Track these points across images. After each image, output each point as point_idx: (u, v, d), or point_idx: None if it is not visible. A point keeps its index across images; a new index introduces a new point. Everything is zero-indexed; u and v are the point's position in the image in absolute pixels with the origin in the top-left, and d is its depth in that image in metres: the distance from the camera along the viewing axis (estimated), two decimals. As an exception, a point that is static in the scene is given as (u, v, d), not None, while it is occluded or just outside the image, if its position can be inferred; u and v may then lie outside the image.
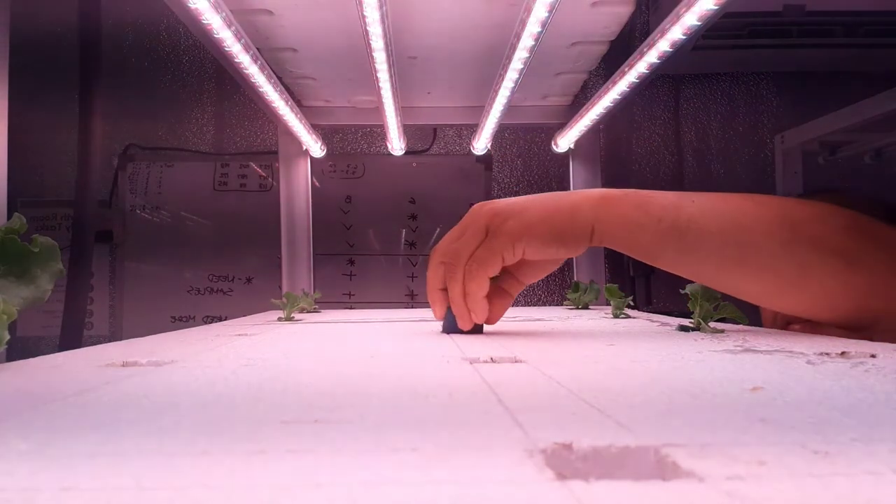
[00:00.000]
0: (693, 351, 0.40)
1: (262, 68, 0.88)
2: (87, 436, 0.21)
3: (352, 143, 1.89)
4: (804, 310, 0.53)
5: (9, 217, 0.41)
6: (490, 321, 0.56)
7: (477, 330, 0.55)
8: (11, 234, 0.38)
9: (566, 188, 1.32)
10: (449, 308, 0.55)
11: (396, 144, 1.30)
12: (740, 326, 0.58)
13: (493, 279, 0.54)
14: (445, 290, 0.54)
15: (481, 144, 1.32)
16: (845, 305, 0.50)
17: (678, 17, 0.73)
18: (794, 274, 0.50)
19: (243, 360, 0.39)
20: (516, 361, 0.37)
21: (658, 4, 1.18)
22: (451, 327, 0.55)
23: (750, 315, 0.56)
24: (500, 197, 1.88)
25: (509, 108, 1.08)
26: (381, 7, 0.72)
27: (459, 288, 0.53)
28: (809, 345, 0.42)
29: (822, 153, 1.69)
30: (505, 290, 0.57)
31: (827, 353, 0.37)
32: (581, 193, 0.55)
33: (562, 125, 1.26)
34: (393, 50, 0.85)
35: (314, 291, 1.20)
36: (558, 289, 1.81)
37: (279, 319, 0.82)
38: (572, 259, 1.28)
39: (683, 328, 0.56)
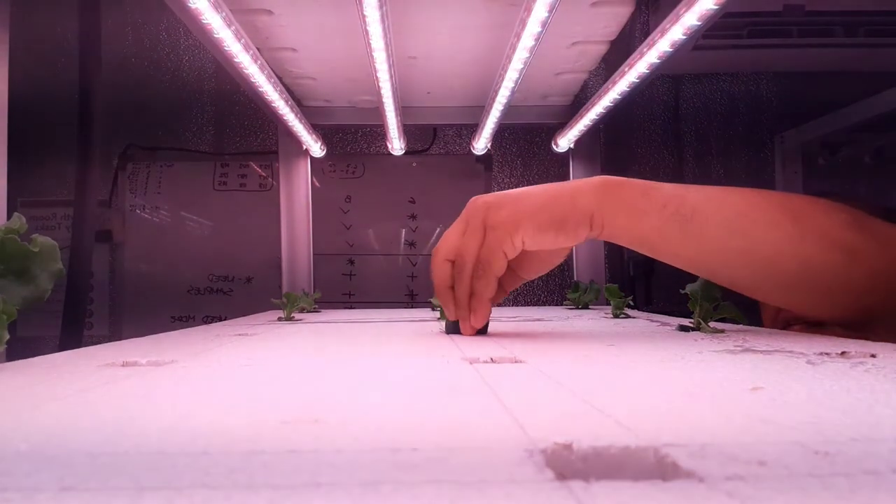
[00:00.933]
0: (693, 351, 0.40)
1: (261, 68, 0.88)
2: (87, 436, 0.21)
3: (352, 142, 1.89)
4: (805, 306, 0.53)
5: (8, 217, 0.41)
6: (475, 323, 0.54)
7: (481, 331, 0.55)
8: (11, 234, 0.38)
9: (566, 188, 1.32)
10: None
11: (396, 144, 1.30)
12: (740, 326, 0.58)
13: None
14: (453, 288, 0.53)
15: (481, 144, 1.32)
16: (846, 302, 0.50)
17: (678, 17, 0.73)
18: (797, 268, 0.49)
19: (243, 360, 0.39)
20: (516, 362, 0.37)
21: (658, 4, 1.18)
22: (454, 328, 0.55)
23: (749, 315, 0.56)
24: (500, 197, 1.89)
25: (509, 107, 1.07)
26: (381, 7, 0.71)
27: (466, 290, 0.52)
28: (809, 345, 0.42)
29: (822, 153, 1.69)
30: (499, 283, 0.56)
31: (827, 353, 0.37)
32: (581, 180, 0.53)
33: (562, 125, 1.26)
34: (393, 50, 0.85)
35: (314, 291, 1.20)
36: (558, 289, 1.81)
37: (279, 319, 0.82)
38: (572, 259, 1.27)
39: (683, 328, 0.56)
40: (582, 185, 0.52)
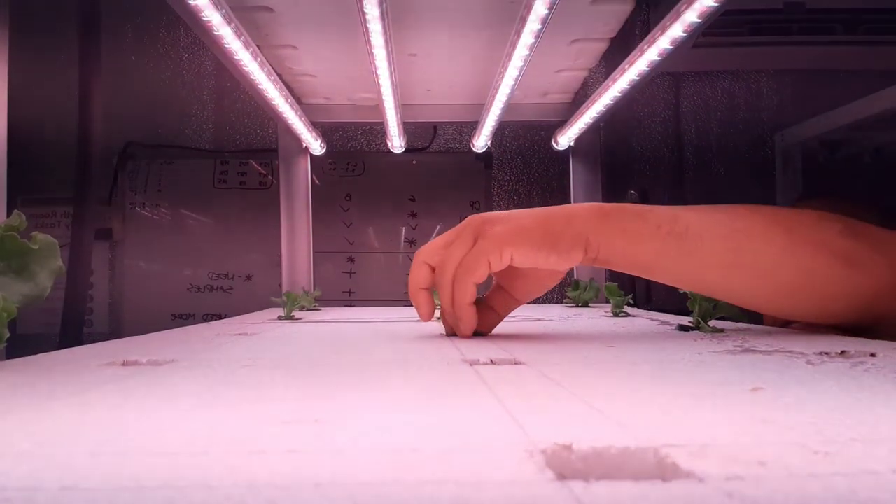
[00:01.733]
0: (693, 351, 0.40)
1: (261, 65, 0.88)
2: (87, 435, 0.21)
3: (352, 140, 1.89)
4: (809, 315, 0.53)
5: (8, 214, 0.41)
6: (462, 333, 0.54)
7: (480, 331, 0.55)
8: (11, 232, 0.38)
9: (566, 186, 1.32)
10: None
11: (396, 142, 1.30)
12: (740, 326, 0.58)
13: (484, 295, 0.53)
14: (428, 290, 0.54)
15: (481, 142, 1.31)
16: (848, 309, 0.50)
17: (678, 15, 0.73)
18: (797, 279, 0.49)
19: (243, 360, 0.39)
20: (516, 363, 0.37)
21: (658, 2, 1.18)
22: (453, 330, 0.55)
23: (749, 313, 0.56)
24: (499, 195, 1.89)
25: (509, 105, 1.07)
26: (380, 4, 0.71)
27: (448, 296, 0.51)
28: (809, 345, 0.42)
29: (822, 151, 1.69)
30: (491, 307, 0.56)
31: (827, 353, 0.37)
32: (576, 205, 0.54)
33: (562, 123, 1.26)
34: (393, 47, 0.85)
35: (314, 289, 1.20)
36: (559, 287, 1.80)
37: (279, 318, 0.82)
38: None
39: (683, 328, 0.56)
40: (577, 209, 0.53)
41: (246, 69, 0.87)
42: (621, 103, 1.03)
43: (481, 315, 0.54)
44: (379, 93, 1.02)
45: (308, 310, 1.02)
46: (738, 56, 1.71)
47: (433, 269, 0.54)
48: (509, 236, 0.50)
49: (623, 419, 0.21)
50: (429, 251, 0.54)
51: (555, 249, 0.50)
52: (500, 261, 0.50)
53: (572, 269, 1.29)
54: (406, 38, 0.95)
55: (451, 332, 0.55)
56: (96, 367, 0.36)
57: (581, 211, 0.52)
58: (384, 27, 0.77)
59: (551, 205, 0.54)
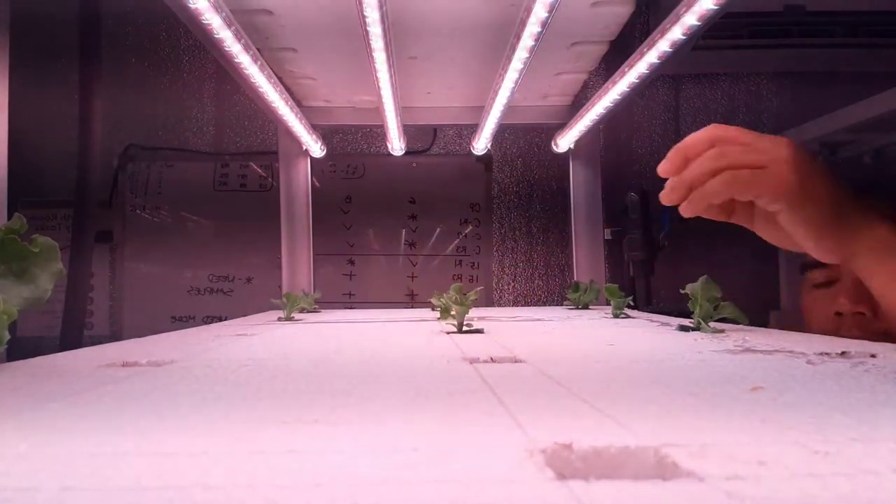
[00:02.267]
0: (693, 351, 0.40)
1: (262, 68, 0.88)
2: (87, 436, 0.21)
3: (352, 143, 1.89)
4: None
5: (9, 217, 0.41)
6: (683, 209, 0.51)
7: (477, 330, 0.55)
8: (12, 234, 0.38)
9: (566, 188, 1.32)
10: None
11: (396, 144, 1.30)
12: (740, 326, 0.58)
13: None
14: (688, 158, 0.51)
15: (481, 144, 1.32)
16: None
17: (678, 18, 0.73)
18: None
19: (243, 361, 0.39)
20: (516, 361, 0.37)
21: (658, 4, 1.18)
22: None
23: (751, 315, 0.56)
24: (500, 198, 1.89)
25: (509, 108, 1.07)
26: (380, 7, 0.71)
27: (704, 174, 0.48)
28: (809, 345, 0.42)
29: (821, 153, 1.69)
30: (730, 207, 0.53)
31: (827, 353, 0.37)
32: (876, 219, 0.50)
33: (562, 125, 1.26)
34: (393, 50, 0.85)
35: (314, 291, 1.20)
36: (558, 289, 1.80)
37: (279, 319, 0.82)
38: (572, 259, 1.27)
39: (683, 328, 0.56)
40: (875, 228, 0.49)
41: (246, 72, 0.87)
42: (621, 106, 1.03)
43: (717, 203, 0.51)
44: (379, 95, 1.02)
45: (308, 312, 1.02)
46: (737, 58, 1.71)
47: (710, 147, 0.50)
48: (792, 199, 0.48)
49: (623, 418, 0.21)
50: (724, 136, 0.51)
51: (819, 241, 0.49)
52: (766, 206, 0.49)
53: (571, 269, 1.29)
54: (406, 41, 0.95)
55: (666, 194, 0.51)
56: (96, 369, 0.36)
57: (878, 231, 0.49)
58: (384, 30, 0.77)
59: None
